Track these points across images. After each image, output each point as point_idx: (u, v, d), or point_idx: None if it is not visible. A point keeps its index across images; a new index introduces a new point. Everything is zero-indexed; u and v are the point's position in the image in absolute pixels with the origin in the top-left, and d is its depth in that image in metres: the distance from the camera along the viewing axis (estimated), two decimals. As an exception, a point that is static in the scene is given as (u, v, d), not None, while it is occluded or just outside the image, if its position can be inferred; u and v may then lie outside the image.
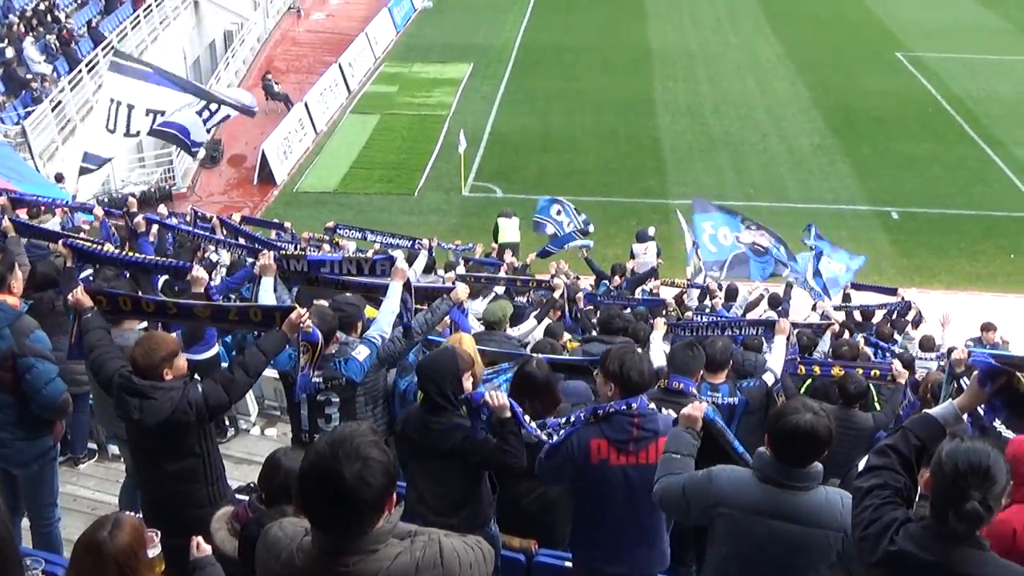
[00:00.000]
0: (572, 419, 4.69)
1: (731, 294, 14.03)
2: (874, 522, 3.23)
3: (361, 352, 5.61)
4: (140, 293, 6.81)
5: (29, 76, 22.74)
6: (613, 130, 28.47)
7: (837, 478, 6.45)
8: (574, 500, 4.88)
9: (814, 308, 13.93)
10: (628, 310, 11.07)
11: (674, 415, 4.62)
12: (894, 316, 13.92)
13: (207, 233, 10.95)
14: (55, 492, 6.02)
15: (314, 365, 5.35)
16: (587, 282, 15.43)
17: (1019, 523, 3.65)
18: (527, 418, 4.87)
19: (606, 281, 14.89)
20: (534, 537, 5.33)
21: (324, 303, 6.36)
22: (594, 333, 9.15)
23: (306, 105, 28.34)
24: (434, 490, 5.00)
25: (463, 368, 4.98)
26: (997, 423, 4.36)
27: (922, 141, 27.87)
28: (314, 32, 38.72)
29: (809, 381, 8.09)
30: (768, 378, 6.84)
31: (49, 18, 25.89)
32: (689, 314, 12.57)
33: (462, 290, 6.46)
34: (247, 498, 4.34)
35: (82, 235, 9.61)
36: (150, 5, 28.07)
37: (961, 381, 4.79)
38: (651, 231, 17.11)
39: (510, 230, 17.94)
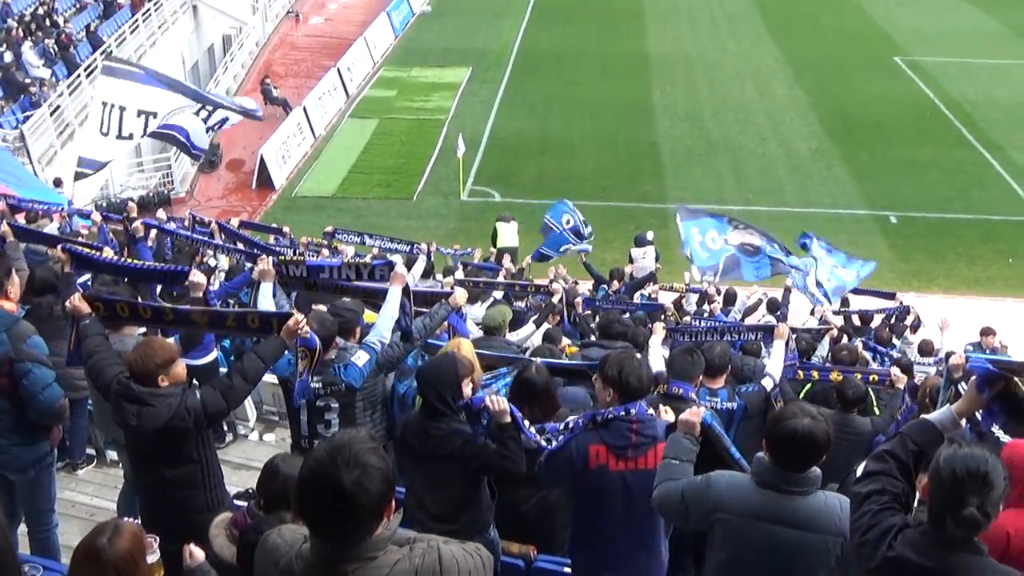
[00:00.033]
0: (571, 425, 4.69)
1: (730, 298, 14.04)
2: (872, 528, 3.24)
3: (360, 358, 5.62)
4: (139, 298, 6.82)
5: (28, 80, 22.75)
6: (612, 135, 28.50)
7: (836, 483, 6.45)
8: (572, 504, 4.87)
9: (812, 313, 13.94)
10: (627, 315, 11.08)
11: (669, 417, 4.62)
12: (892, 321, 13.92)
13: (206, 238, 10.96)
14: (52, 498, 6.01)
15: (312, 371, 5.35)
16: (585, 287, 15.45)
17: (1012, 527, 3.65)
18: (526, 423, 4.86)
19: (604, 286, 14.89)
20: (533, 543, 5.32)
21: (323, 308, 6.37)
22: (593, 338, 9.14)
23: (304, 110, 28.37)
24: (433, 495, 5.00)
25: (463, 374, 4.98)
26: (995, 428, 4.36)
27: (920, 145, 27.89)
28: (313, 36, 38.75)
29: (809, 386, 8.08)
30: (767, 383, 6.84)
31: (48, 23, 25.90)
32: (687, 318, 12.56)
33: (460, 295, 6.46)
34: (245, 504, 4.33)
35: (80, 240, 9.63)
36: (149, 10, 28.12)
37: (959, 386, 4.79)
38: (649, 235, 17.10)
39: (508, 234, 17.93)
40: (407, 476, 5.17)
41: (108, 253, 7.80)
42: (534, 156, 27.11)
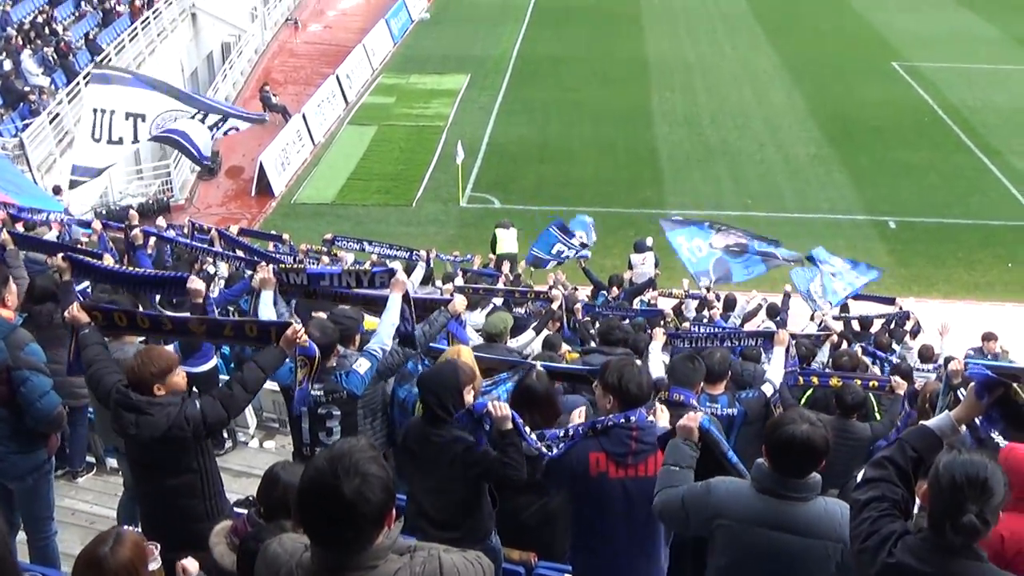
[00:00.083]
0: (571, 432, 4.69)
1: (729, 304, 14.05)
2: (872, 534, 3.24)
3: (362, 365, 5.62)
4: (139, 306, 6.83)
5: (27, 89, 22.77)
6: (611, 141, 28.52)
7: (836, 488, 6.45)
8: (573, 509, 4.88)
9: (812, 318, 13.94)
10: (626, 321, 11.08)
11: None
12: (892, 326, 13.93)
13: (205, 245, 10.97)
14: (51, 506, 6.00)
15: (312, 379, 5.35)
16: (584, 293, 15.44)
17: (1007, 530, 3.65)
18: (527, 429, 4.86)
19: (604, 292, 14.89)
20: (534, 550, 5.32)
21: (323, 315, 6.37)
22: (593, 344, 9.13)
23: (304, 117, 28.38)
24: (435, 503, 5.00)
25: (464, 381, 4.98)
26: (994, 434, 4.37)
27: (919, 151, 27.92)
28: (311, 44, 38.78)
29: (810, 392, 8.09)
30: (767, 389, 6.84)
31: (47, 31, 25.95)
32: (687, 324, 12.57)
33: (460, 302, 6.47)
34: (246, 512, 4.33)
35: (80, 247, 9.64)
36: (148, 17, 28.14)
37: (958, 392, 4.79)
38: (649, 241, 17.11)
39: (508, 241, 17.93)
40: (408, 483, 5.17)
41: (108, 260, 7.81)
42: (533, 162, 27.12)
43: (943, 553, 3.09)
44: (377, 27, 37.66)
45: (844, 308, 15.14)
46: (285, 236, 15.92)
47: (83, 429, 7.72)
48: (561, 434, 4.72)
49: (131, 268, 8.15)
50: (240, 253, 10.87)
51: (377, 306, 6.38)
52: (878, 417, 7.94)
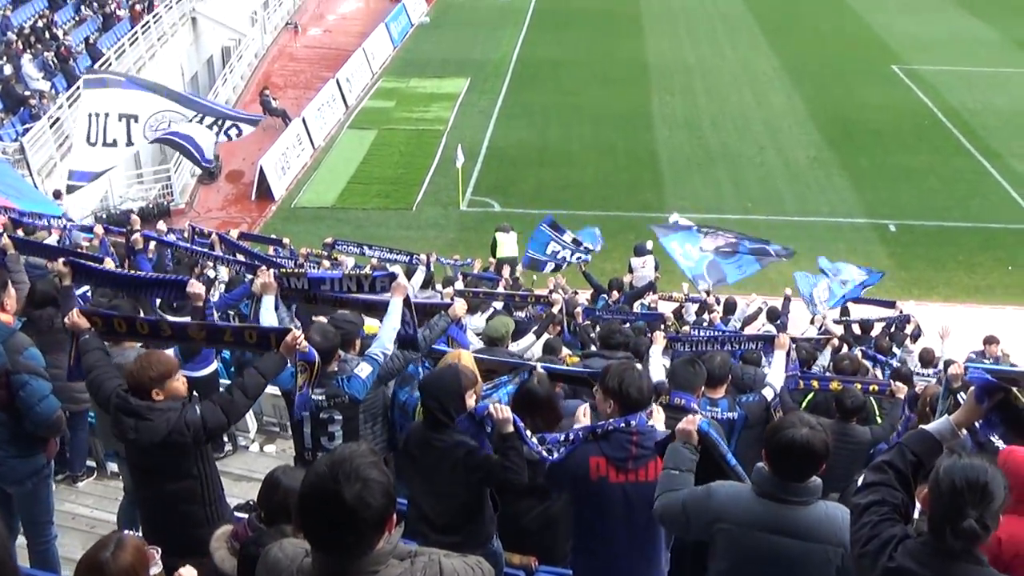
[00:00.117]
0: (571, 436, 4.69)
1: (729, 308, 14.05)
2: (873, 539, 3.24)
3: (364, 369, 5.62)
4: (140, 311, 6.83)
5: (27, 93, 22.80)
6: (611, 144, 28.54)
7: (836, 492, 6.45)
8: (574, 510, 4.88)
9: (812, 322, 13.94)
10: (627, 324, 11.08)
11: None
12: (892, 329, 13.92)
13: (206, 250, 10.97)
14: (51, 510, 6.00)
15: (312, 385, 5.35)
16: (584, 296, 15.44)
17: (1005, 532, 3.65)
18: (528, 433, 4.86)
19: (604, 295, 14.89)
20: (535, 554, 5.32)
21: (323, 320, 6.37)
22: (594, 348, 9.14)
23: (304, 121, 28.41)
24: (436, 507, 5.00)
25: (466, 386, 4.98)
26: (994, 438, 4.37)
27: (919, 154, 27.95)
28: (311, 48, 38.83)
29: (810, 396, 8.09)
30: (767, 393, 6.84)
31: (47, 35, 25.98)
32: (687, 328, 12.57)
33: (460, 306, 6.47)
34: (246, 516, 4.33)
35: (80, 252, 9.64)
36: (148, 22, 28.18)
37: (958, 396, 4.79)
38: (649, 245, 17.10)
39: (508, 245, 17.93)
40: (409, 487, 5.17)
41: (109, 264, 7.82)
42: (533, 166, 27.15)
43: (943, 557, 3.09)
44: (377, 31, 37.70)
45: (844, 312, 15.14)
46: (285, 240, 15.93)
47: (84, 434, 7.72)
48: (562, 438, 4.72)
49: (132, 271, 8.16)
50: (240, 257, 10.87)
51: (377, 310, 6.39)
52: (879, 421, 7.95)
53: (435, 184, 25.97)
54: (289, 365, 5.16)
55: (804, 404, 7.92)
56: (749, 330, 12.80)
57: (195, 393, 5.43)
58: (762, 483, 3.90)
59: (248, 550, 3.90)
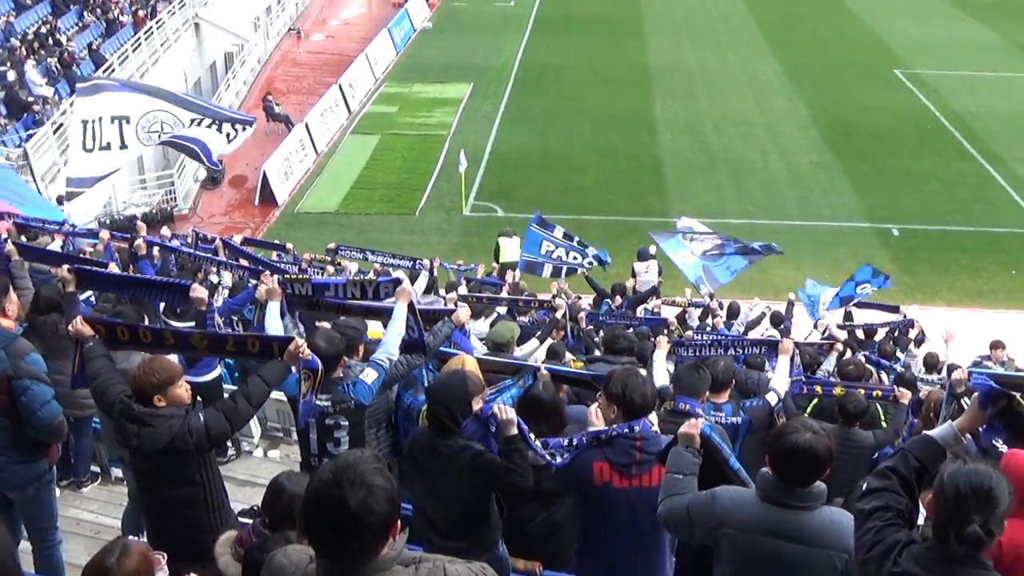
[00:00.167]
0: (575, 441, 4.69)
1: (733, 312, 14.05)
2: (877, 544, 3.24)
3: (369, 375, 5.62)
4: (144, 316, 6.84)
5: (31, 99, 22.86)
6: (613, 148, 28.56)
7: (840, 497, 6.44)
8: (578, 514, 4.88)
9: (815, 326, 13.93)
10: (630, 329, 11.07)
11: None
12: (896, 334, 13.90)
13: (209, 255, 10.99)
14: (54, 515, 6.01)
15: (315, 392, 5.35)
16: (587, 301, 15.41)
17: (1005, 536, 3.65)
18: (532, 436, 4.86)
19: (608, 300, 14.88)
20: (539, 560, 5.32)
21: (327, 326, 6.37)
22: (598, 353, 9.14)
23: (307, 126, 28.46)
24: (442, 513, 4.99)
25: (473, 392, 4.97)
26: (997, 442, 4.37)
27: (921, 158, 27.95)
28: (314, 53, 38.90)
29: (815, 401, 8.08)
30: (771, 398, 6.84)
31: (51, 41, 26.04)
32: (690, 333, 12.56)
33: (464, 313, 6.47)
34: (251, 522, 4.33)
35: (84, 257, 9.67)
36: (151, 28, 28.23)
37: (962, 401, 4.79)
38: (652, 249, 17.06)
39: (511, 249, 17.91)
40: (414, 493, 5.17)
41: (113, 269, 7.85)
42: (536, 171, 27.14)
43: (948, 563, 3.09)
44: (379, 36, 37.75)
45: (848, 317, 15.12)
46: (289, 245, 15.96)
47: (88, 439, 7.74)
48: (565, 443, 4.72)
49: (135, 275, 8.18)
50: (244, 262, 10.89)
51: (380, 315, 6.39)
52: (884, 426, 7.93)
53: (438, 189, 25.99)
54: (293, 371, 5.17)
55: (809, 410, 7.91)
56: (752, 335, 12.80)
57: (199, 399, 5.44)
58: (766, 488, 3.89)
59: (252, 556, 3.91)
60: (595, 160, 27.73)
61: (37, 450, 5.71)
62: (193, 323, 7.25)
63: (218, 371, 8.31)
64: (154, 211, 23.43)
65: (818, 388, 8.05)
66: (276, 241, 17.55)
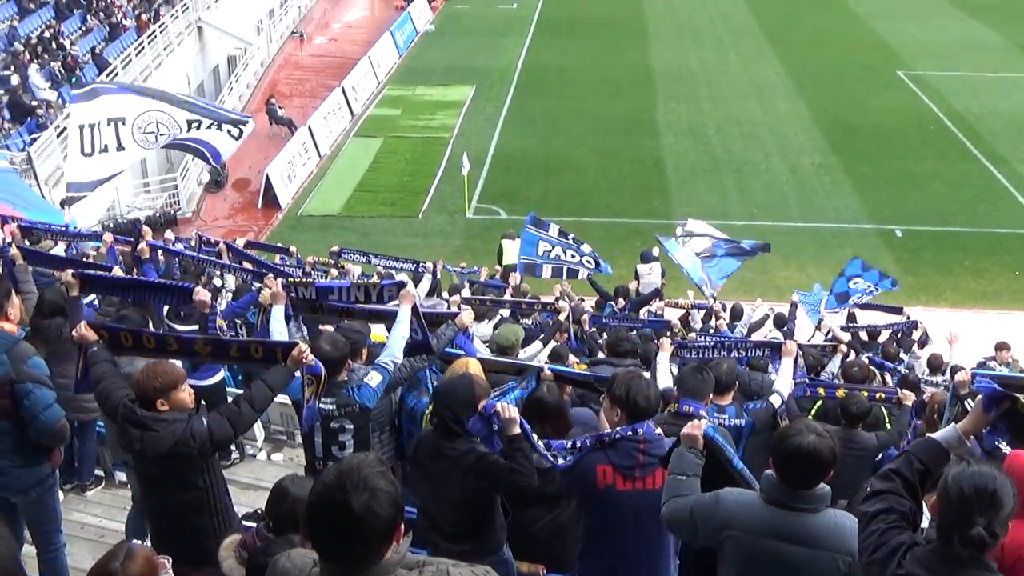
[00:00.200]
0: (578, 444, 4.69)
1: (736, 314, 14.04)
2: (881, 546, 3.24)
3: (374, 378, 5.62)
4: (148, 319, 6.84)
5: (34, 103, 22.87)
6: (616, 150, 28.55)
7: (844, 500, 6.43)
8: (582, 514, 4.88)
9: (818, 328, 13.91)
10: (633, 332, 11.07)
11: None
12: (900, 336, 13.89)
13: (213, 258, 10.99)
14: (58, 518, 6.00)
15: (318, 397, 5.36)
16: (589, 303, 15.39)
17: (1007, 537, 3.65)
18: (534, 437, 4.85)
19: (611, 303, 14.87)
20: (543, 563, 5.32)
21: (330, 329, 6.38)
22: (601, 355, 9.13)
23: (310, 129, 28.48)
24: (447, 516, 4.99)
25: (480, 396, 4.97)
26: (1001, 444, 4.36)
27: (924, 159, 27.93)
28: (317, 56, 38.94)
29: (819, 403, 8.07)
30: (775, 400, 6.83)
31: (54, 45, 26.06)
32: (693, 335, 12.54)
33: (467, 316, 6.47)
34: (254, 525, 4.33)
35: (88, 261, 9.67)
36: (154, 31, 28.26)
37: (965, 403, 4.78)
38: (655, 251, 17.06)
39: (514, 252, 17.85)
40: (419, 496, 5.17)
41: (117, 272, 7.85)
42: (539, 173, 27.16)
43: (952, 565, 3.09)
44: (382, 39, 37.78)
45: (852, 318, 15.11)
46: (292, 248, 15.96)
47: (92, 443, 7.74)
48: (568, 445, 4.72)
49: (138, 277, 8.19)
50: (247, 266, 10.89)
51: (383, 318, 6.39)
52: (888, 428, 7.92)
53: (441, 192, 26.00)
54: (297, 376, 5.17)
55: (813, 412, 7.90)
56: (756, 336, 12.79)
57: (202, 402, 5.44)
58: (770, 490, 3.89)
59: (256, 559, 3.91)
60: (598, 162, 27.74)
61: (40, 454, 5.70)
62: (196, 326, 7.27)
63: (222, 375, 8.32)
64: (157, 214, 23.44)
65: (821, 390, 8.04)
66: (279, 244, 17.54)
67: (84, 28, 28.71)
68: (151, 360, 5.19)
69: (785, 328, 13.51)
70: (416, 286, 11.68)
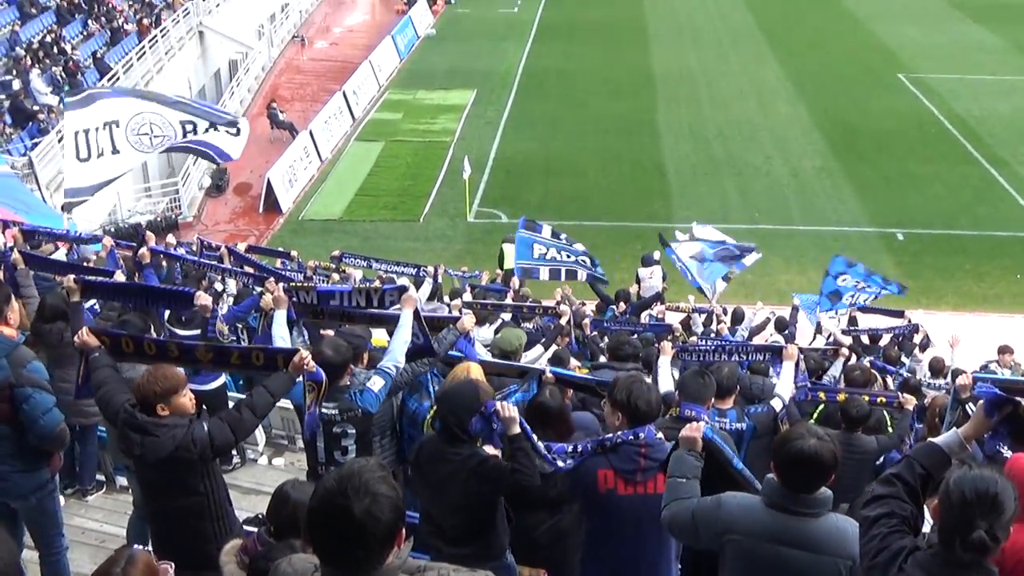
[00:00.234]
0: (579, 448, 4.69)
1: (737, 318, 14.03)
2: (882, 551, 3.24)
3: (376, 383, 5.62)
4: (150, 324, 6.84)
5: (36, 108, 22.91)
6: (617, 154, 28.57)
7: (846, 503, 6.43)
8: (583, 518, 4.88)
9: (820, 331, 13.90)
10: (634, 335, 11.06)
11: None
12: (901, 339, 13.87)
13: (214, 262, 11.01)
14: (59, 522, 5.99)
15: (319, 403, 5.36)
16: (590, 307, 15.37)
17: (1008, 540, 3.65)
18: (535, 437, 4.84)
19: (612, 307, 14.86)
20: (545, 567, 5.31)
21: (330, 334, 6.38)
22: (603, 359, 9.13)
23: (311, 133, 28.51)
24: (450, 520, 4.98)
25: (484, 401, 4.98)
26: (1003, 449, 4.36)
27: (925, 162, 27.93)
28: (318, 60, 38.99)
29: (821, 407, 8.06)
30: (776, 404, 6.83)
31: (56, 50, 26.09)
32: (694, 339, 12.54)
33: (468, 320, 6.47)
34: (256, 530, 4.33)
35: (89, 266, 9.67)
36: (155, 36, 28.31)
37: (967, 407, 4.78)
38: (656, 255, 17.05)
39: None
40: (421, 500, 5.17)
41: (119, 277, 7.86)
42: (540, 176, 27.18)
43: (953, 569, 3.09)
44: (383, 43, 37.84)
45: (853, 322, 15.09)
46: (293, 253, 15.98)
47: (93, 447, 7.73)
48: (569, 449, 4.72)
49: (140, 282, 8.20)
50: (249, 270, 10.90)
51: (384, 323, 6.39)
52: (891, 431, 7.91)
53: (442, 195, 26.02)
54: (299, 381, 5.17)
55: (815, 416, 7.89)
56: (757, 340, 12.78)
57: (203, 407, 5.44)
58: (771, 494, 3.89)
59: (258, 565, 3.90)
60: (599, 166, 27.76)
61: (39, 459, 5.69)
62: (198, 331, 7.28)
63: (223, 379, 8.32)
64: (159, 219, 23.46)
65: (822, 394, 8.03)
66: (280, 249, 17.56)
67: (85, 33, 28.74)
68: (151, 367, 5.19)
69: (786, 332, 13.50)
70: (417, 291, 11.69)
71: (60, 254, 10.52)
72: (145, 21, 30.58)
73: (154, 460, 4.72)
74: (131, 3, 32.23)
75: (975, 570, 3.09)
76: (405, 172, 27.94)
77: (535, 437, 4.80)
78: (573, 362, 8.61)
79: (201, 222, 24.76)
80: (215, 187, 26.24)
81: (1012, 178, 26.63)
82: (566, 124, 31.09)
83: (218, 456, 4.93)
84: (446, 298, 12.84)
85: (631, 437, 4.57)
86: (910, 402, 7.74)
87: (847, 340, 12.27)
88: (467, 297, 12.93)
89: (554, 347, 8.71)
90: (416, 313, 6.06)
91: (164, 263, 10.21)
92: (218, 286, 10.99)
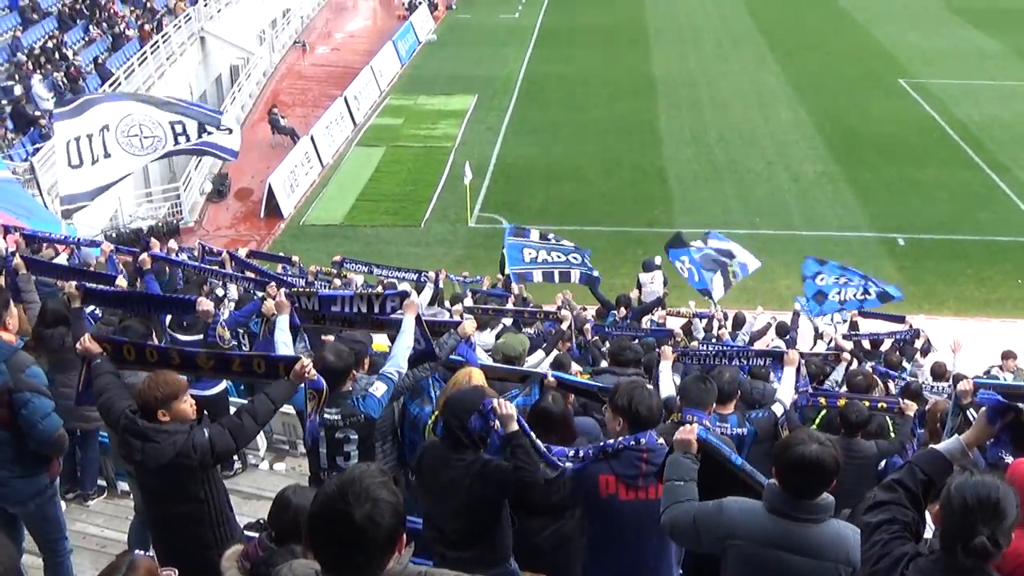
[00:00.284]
0: (581, 453, 4.68)
1: (738, 323, 14.02)
2: (884, 557, 3.23)
3: (379, 388, 5.61)
4: (151, 330, 6.84)
5: (37, 113, 22.92)
6: (618, 159, 28.60)
7: (847, 509, 6.42)
8: (585, 523, 4.87)
9: (821, 336, 13.90)
10: (636, 340, 11.06)
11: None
12: (902, 344, 13.86)
13: (216, 268, 11.01)
14: (62, 527, 5.99)
15: (320, 411, 5.35)
16: (591, 312, 15.37)
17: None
18: (533, 434, 4.83)
19: (613, 312, 14.86)
20: (547, 573, 5.31)
21: (332, 339, 6.38)
22: (604, 364, 9.12)
23: (312, 138, 28.54)
24: (451, 524, 4.97)
25: None
26: (1005, 456, 4.36)
27: (927, 167, 27.94)
28: (319, 66, 39.02)
29: (823, 413, 8.05)
30: (777, 409, 6.82)
31: (57, 56, 26.13)
32: (695, 344, 12.53)
33: (469, 325, 6.47)
34: (257, 536, 4.33)
35: (91, 272, 9.67)
36: (157, 41, 28.36)
37: (968, 413, 4.78)
38: (657, 260, 17.03)
39: (514, 261, 17.87)
40: (424, 505, 5.16)
41: (121, 283, 7.85)
42: (541, 182, 27.19)
43: (955, 574, 3.08)
44: (384, 49, 37.88)
45: (854, 327, 15.09)
46: (295, 258, 15.98)
47: (94, 452, 7.73)
48: (571, 453, 4.72)
49: (140, 290, 8.20)
50: (250, 275, 10.90)
51: (385, 328, 6.39)
52: (893, 436, 7.90)
53: (443, 201, 26.04)
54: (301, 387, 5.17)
55: (817, 421, 7.88)
56: (758, 345, 12.77)
57: (204, 413, 5.43)
58: (773, 500, 3.89)
59: (259, 570, 3.90)
60: (600, 171, 27.78)
61: (38, 464, 5.69)
62: (200, 336, 7.28)
63: (224, 385, 8.31)
64: (160, 224, 23.48)
65: (823, 399, 8.03)
66: (282, 254, 17.58)
67: (87, 39, 28.79)
68: (152, 372, 5.19)
69: (787, 337, 13.48)
70: (418, 294, 11.69)
71: (61, 259, 10.51)
72: (147, 27, 30.65)
73: (155, 466, 4.72)
74: (133, 8, 32.31)
75: (976, 575, 3.08)
76: (406, 177, 27.96)
77: (534, 435, 4.79)
78: (574, 367, 8.61)
79: (202, 227, 24.77)
80: (216, 192, 26.26)
81: (1013, 183, 26.63)
82: (567, 129, 31.12)
83: (219, 462, 4.93)
84: (447, 303, 12.84)
85: (632, 442, 4.56)
86: (911, 407, 7.73)
87: (848, 345, 12.28)
88: (468, 302, 12.93)
89: (555, 352, 8.71)
90: (418, 318, 6.06)
91: (167, 269, 10.22)
92: (219, 291, 10.98)
